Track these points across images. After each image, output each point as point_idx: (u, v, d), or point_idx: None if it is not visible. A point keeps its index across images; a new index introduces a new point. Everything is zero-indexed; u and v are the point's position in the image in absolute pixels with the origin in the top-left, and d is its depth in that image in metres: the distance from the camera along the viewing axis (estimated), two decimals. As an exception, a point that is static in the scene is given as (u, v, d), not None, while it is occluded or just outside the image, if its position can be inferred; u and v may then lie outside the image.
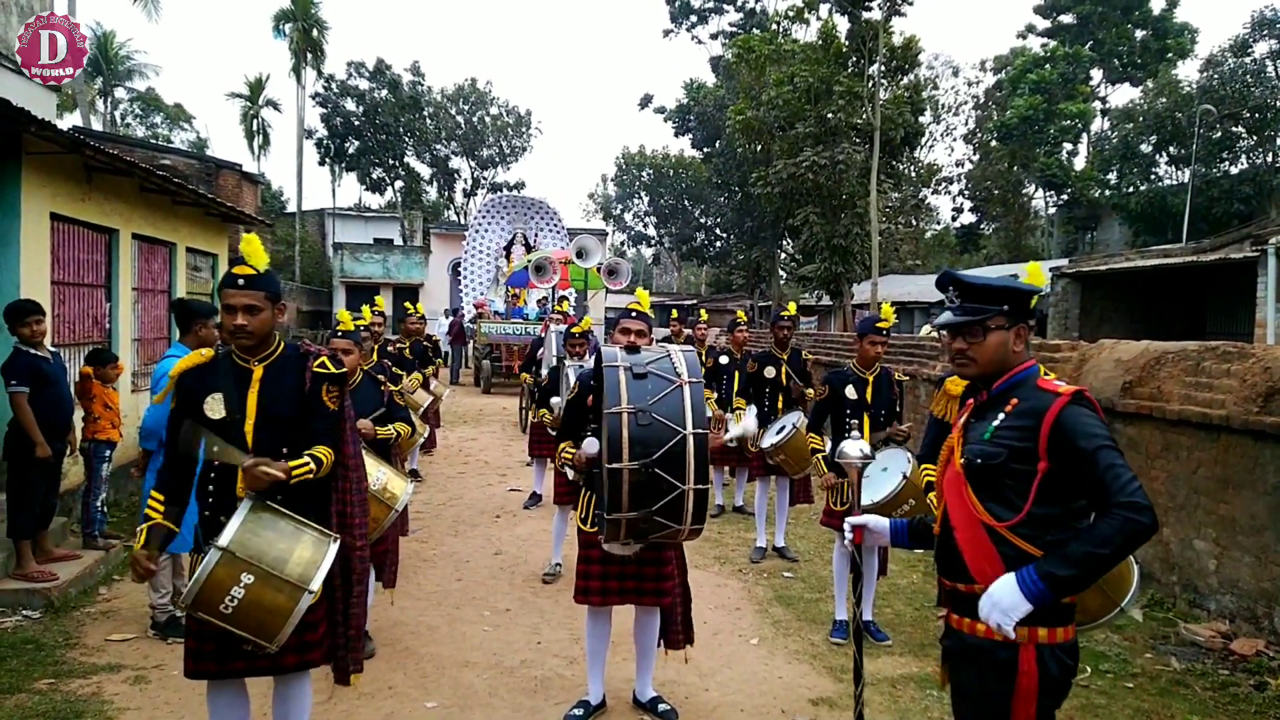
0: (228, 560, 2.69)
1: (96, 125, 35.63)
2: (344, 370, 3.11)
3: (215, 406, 2.91)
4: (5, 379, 5.39)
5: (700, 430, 3.26)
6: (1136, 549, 2.13)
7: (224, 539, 2.70)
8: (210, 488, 2.94)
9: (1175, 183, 30.55)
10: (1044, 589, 2.08)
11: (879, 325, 5.34)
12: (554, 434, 7.46)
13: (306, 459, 2.90)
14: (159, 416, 4.97)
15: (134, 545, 3.00)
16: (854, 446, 2.95)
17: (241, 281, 2.91)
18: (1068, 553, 2.09)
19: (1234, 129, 28.96)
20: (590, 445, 3.83)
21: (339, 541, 2.95)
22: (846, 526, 2.67)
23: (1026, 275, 3.58)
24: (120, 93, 43.21)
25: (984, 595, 2.18)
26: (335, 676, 3.17)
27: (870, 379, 5.35)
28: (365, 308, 7.85)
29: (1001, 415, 2.27)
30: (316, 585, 2.78)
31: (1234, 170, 29.38)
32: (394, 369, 6.66)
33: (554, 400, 6.12)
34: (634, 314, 4.11)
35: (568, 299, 18.93)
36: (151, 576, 3.00)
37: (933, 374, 9.56)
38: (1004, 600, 2.12)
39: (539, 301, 20.60)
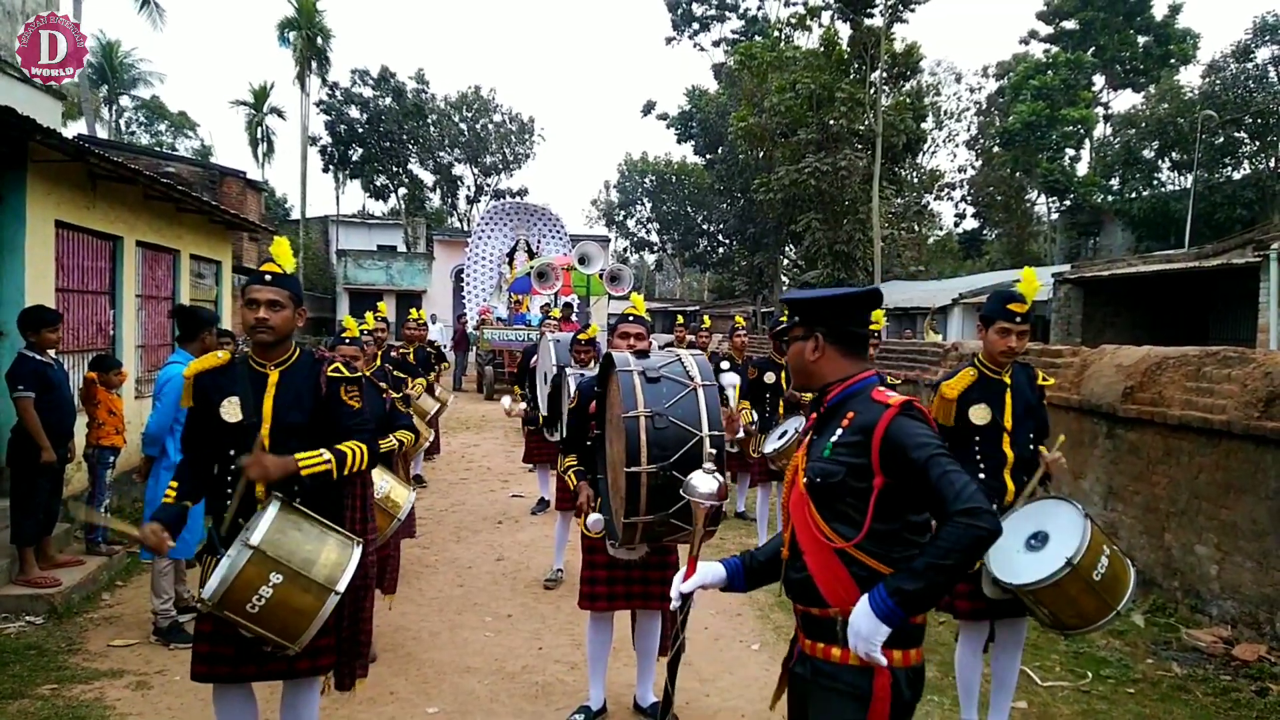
0: (258, 559, 2.68)
1: (102, 133, 35.79)
2: (358, 373, 3.13)
3: (232, 410, 2.92)
4: (11, 384, 5.41)
5: (716, 432, 3.28)
6: (981, 554, 2.09)
7: (255, 538, 2.69)
8: (229, 491, 2.94)
9: (1178, 188, 30.60)
10: (893, 605, 2.01)
11: (870, 328, 5.34)
12: (540, 435, 7.42)
13: (321, 451, 2.88)
14: (162, 423, 5.00)
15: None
16: (706, 481, 2.42)
17: (268, 278, 2.95)
18: (913, 567, 2.02)
19: (1236, 134, 29.03)
20: (595, 523, 3.80)
21: (362, 546, 2.95)
22: (674, 593, 2.39)
23: (1021, 281, 3.62)
24: (125, 100, 43.45)
25: (849, 628, 2.09)
26: (335, 681, 3.18)
27: None
28: (369, 314, 7.88)
29: (839, 430, 2.18)
30: (343, 586, 2.78)
31: (1236, 175, 29.44)
32: (394, 373, 6.69)
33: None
34: (631, 318, 4.13)
35: (571, 305, 18.96)
36: (167, 548, 2.98)
37: (934, 379, 9.56)
38: (863, 627, 2.04)
39: (542, 308, 20.64)
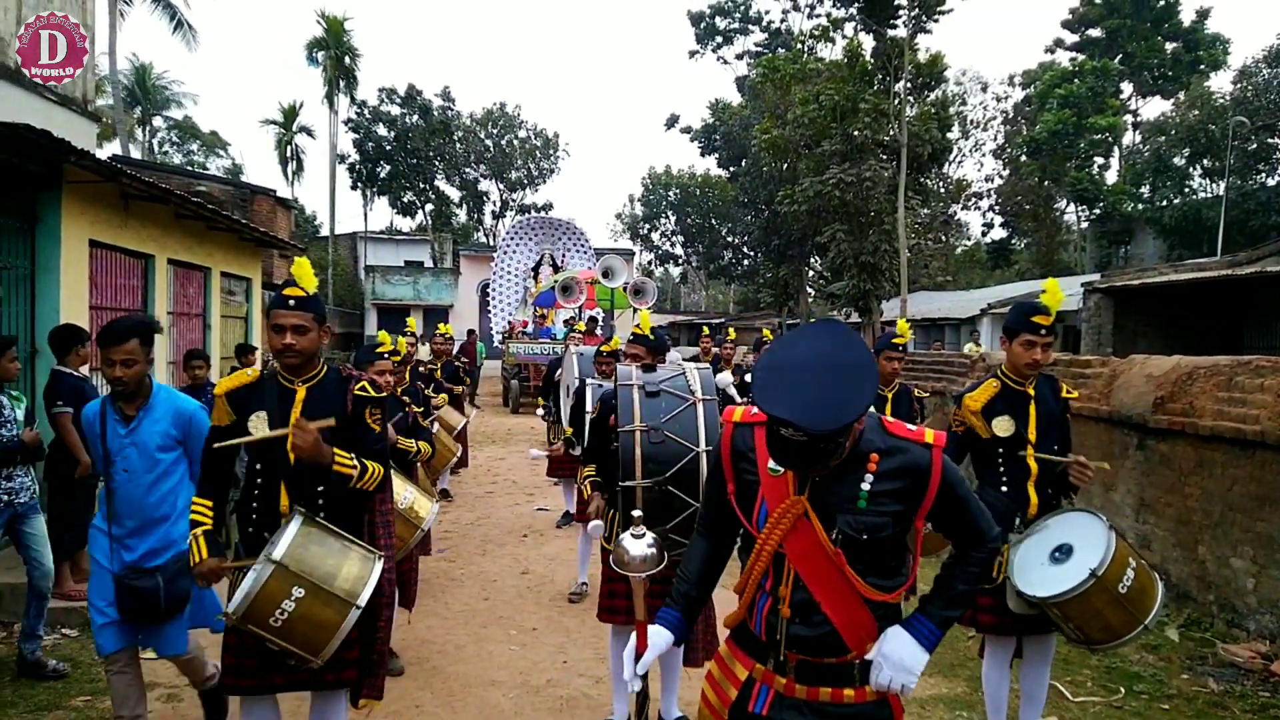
0: (281, 573, 2.72)
1: (135, 154, 36.53)
2: (384, 394, 3.17)
3: (259, 425, 2.96)
4: (49, 401, 5.51)
5: (713, 448, 3.28)
6: None
7: (278, 552, 2.73)
8: (254, 504, 2.98)
9: (1210, 195, 30.15)
10: (940, 635, 2.06)
11: (895, 341, 5.33)
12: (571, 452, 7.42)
13: (353, 458, 2.94)
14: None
15: (191, 556, 3.02)
16: (636, 546, 2.21)
17: (292, 302, 2.98)
18: (955, 594, 2.08)
19: (1269, 140, 28.56)
20: (594, 529, 3.80)
21: (383, 560, 2.98)
22: (631, 678, 2.23)
23: (1045, 292, 3.58)
24: (158, 121, 44.32)
25: (878, 661, 2.04)
26: (349, 697, 3.17)
27: (890, 396, 5.33)
28: (385, 333, 7.94)
29: (869, 477, 2.01)
30: (364, 600, 2.82)
31: (1270, 182, 28.97)
32: (426, 392, 6.73)
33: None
34: (634, 338, 4.13)
35: (596, 319, 19.03)
36: (218, 580, 3.01)
37: (961, 390, 9.47)
38: (906, 658, 2.02)
39: (566, 321, 20.73)
